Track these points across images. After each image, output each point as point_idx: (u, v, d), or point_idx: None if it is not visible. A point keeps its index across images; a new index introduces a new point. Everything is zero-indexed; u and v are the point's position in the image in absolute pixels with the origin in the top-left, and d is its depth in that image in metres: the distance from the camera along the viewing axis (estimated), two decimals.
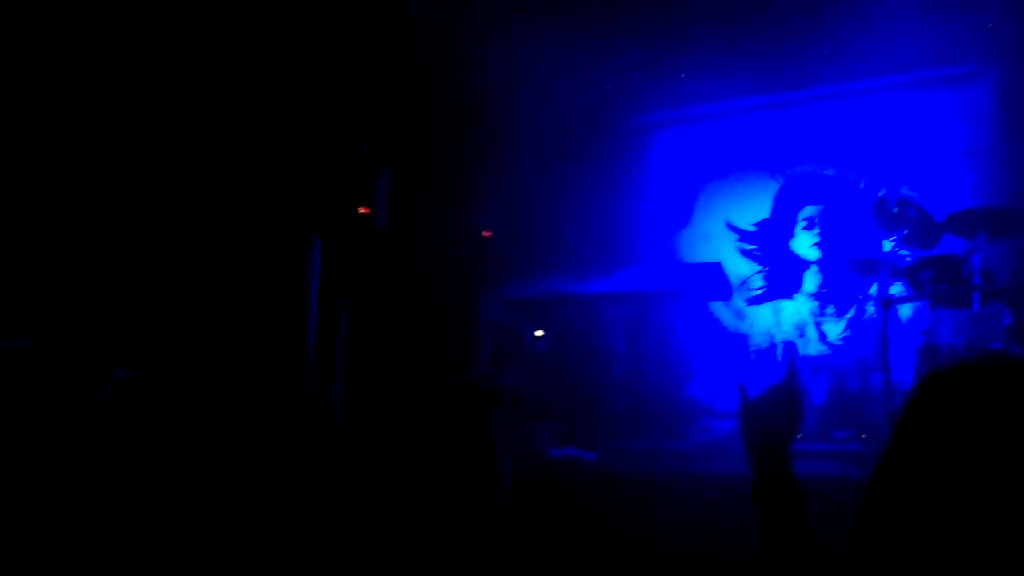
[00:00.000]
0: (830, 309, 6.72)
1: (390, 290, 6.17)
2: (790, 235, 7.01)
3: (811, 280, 6.89)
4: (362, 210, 6.09)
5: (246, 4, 5.34)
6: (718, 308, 7.04)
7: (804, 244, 6.98)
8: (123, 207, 4.97)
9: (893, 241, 5.22)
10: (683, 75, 7.18)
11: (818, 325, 6.75)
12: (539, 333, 5.66)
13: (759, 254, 7.09)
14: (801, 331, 6.78)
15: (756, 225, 7.14)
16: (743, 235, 7.17)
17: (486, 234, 6.62)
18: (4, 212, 4.47)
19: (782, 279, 6.96)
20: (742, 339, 6.99)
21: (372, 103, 6.19)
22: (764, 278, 7.03)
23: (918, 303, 5.65)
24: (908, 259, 5.26)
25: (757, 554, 1.37)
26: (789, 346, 1.64)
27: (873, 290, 5.30)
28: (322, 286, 6.08)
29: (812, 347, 6.65)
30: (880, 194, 5.14)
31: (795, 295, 6.88)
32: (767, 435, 1.46)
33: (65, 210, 4.84)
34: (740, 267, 7.00)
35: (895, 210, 4.92)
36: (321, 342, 5.88)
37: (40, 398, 4.08)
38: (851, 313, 6.61)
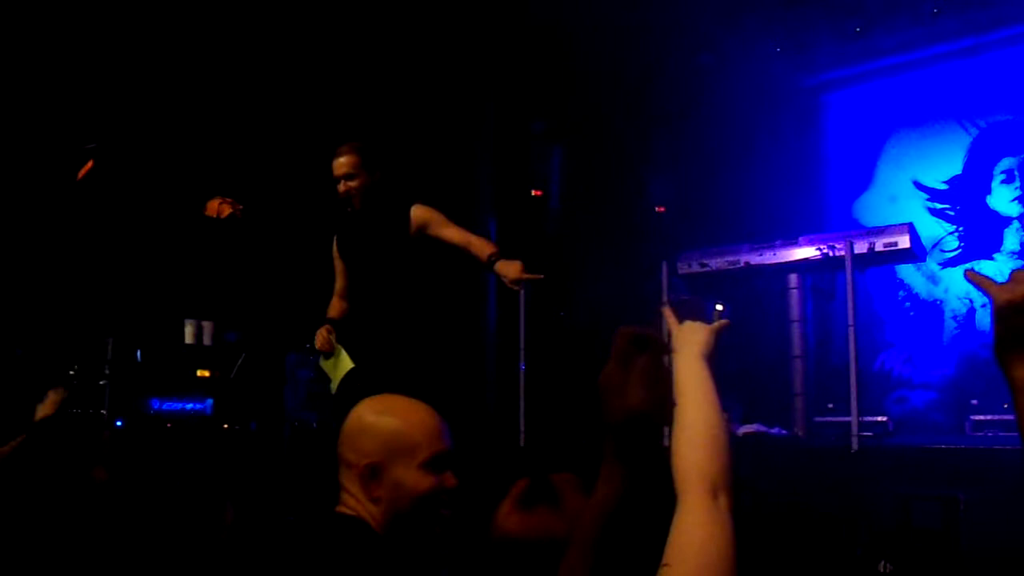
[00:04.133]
0: None
1: (567, 270, 6.20)
2: (987, 190, 6.53)
3: (1012, 238, 6.40)
4: (535, 192, 6.15)
5: None
6: (910, 273, 6.66)
7: (1003, 199, 6.48)
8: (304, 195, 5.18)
9: None
10: (858, 29, 6.79)
11: None
12: (719, 307, 5.52)
13: (952, 213, 6.65)
14: None
15: (947, 182, 6.69)
16: (933, 193, 6.74)
17: (660, 209, 6.53)
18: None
19: (980, 238, 6.50)
20: (937, 306, 6.60)
21: (543, 81, 6.21)
22: (959, 238, 6.59)
23: None
24: None
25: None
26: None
27: None
28: None
29: None
30: None
31: (995, 255, 6.41)
32: None
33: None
34: (931, 228, 6.59)
35: None
36: (502, 323, 6.01)
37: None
38: None
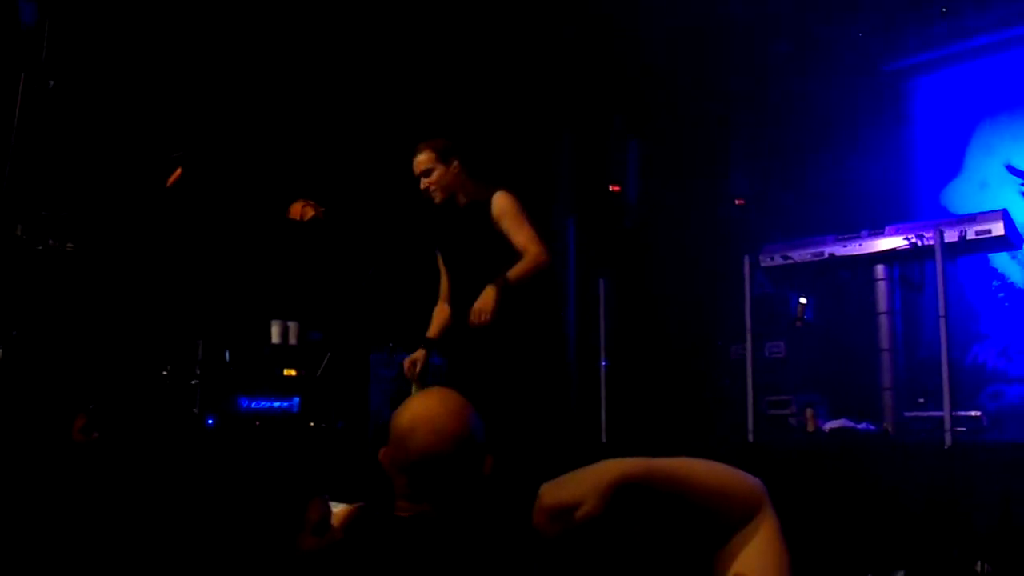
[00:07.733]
0: None
1: (647, 264, 6.16)
2: None
3: None
4: (613, 188, 6.13)
5: None
6: (1004, 262, 6.41)
7: None
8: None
9: None
10: (944, 9, 6.57)
11: None
12: (803, 300, 5.41)
13: None
14: None
15: None
16: None
17: (739, 201, 6.43)
18: None
19: None
20: None
21: (619, 76, 6.17)
22: None
23: None
24: None
25: None
26: None
27: None
28: (578, 263, 6.19)
29: None
30: None
31: None
32: None
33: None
34: None
35: None
36: (581, 317, 5.99)
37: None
38: None
